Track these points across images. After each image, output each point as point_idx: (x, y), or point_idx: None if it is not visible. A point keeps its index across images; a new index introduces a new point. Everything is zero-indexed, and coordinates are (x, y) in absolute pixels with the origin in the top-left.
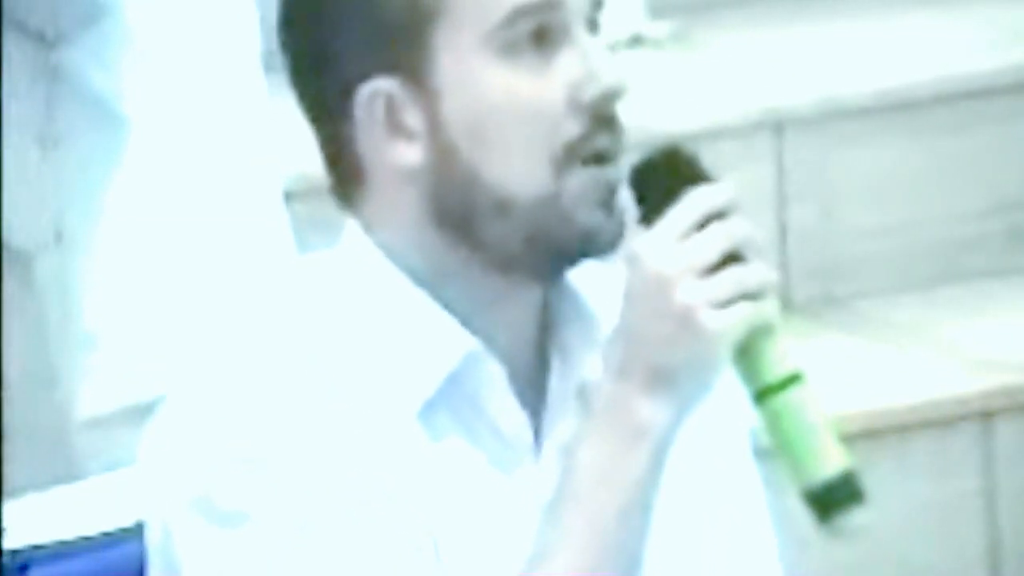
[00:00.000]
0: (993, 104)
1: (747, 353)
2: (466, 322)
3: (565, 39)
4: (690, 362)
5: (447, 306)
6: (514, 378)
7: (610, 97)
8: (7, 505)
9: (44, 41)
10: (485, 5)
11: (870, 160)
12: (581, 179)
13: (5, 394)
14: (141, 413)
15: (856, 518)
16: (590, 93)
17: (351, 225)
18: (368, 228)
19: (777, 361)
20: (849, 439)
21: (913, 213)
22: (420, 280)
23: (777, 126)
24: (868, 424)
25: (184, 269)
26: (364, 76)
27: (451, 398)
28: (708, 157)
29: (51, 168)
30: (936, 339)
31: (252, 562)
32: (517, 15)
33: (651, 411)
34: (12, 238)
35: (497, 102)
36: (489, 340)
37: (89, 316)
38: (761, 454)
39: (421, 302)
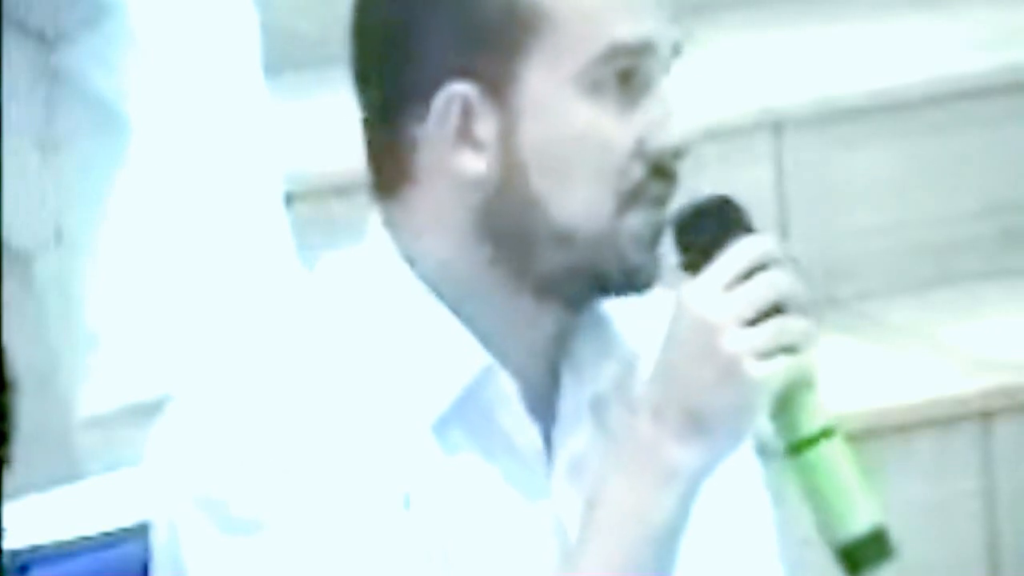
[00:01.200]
0: (991, 105)
1: (784, 405)
2: (482, 335)
3: (647, 86)
4: (728, 409)
5: (465, 319)
6: (526, 391)
7: (674, 153)
8: (7, 505)
9: (45, 41)
10: (585, 37)
11: (869, 160)
12: (638, 220)
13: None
14: (142, 413)
15: (884, 573)
16: (656, 144)
17: (375, 228)
18: (400, 231)
19: (813, 415)
20: (849, 439)
21: (913, 213)
22: (442, 291)
23: (776, 126)
24: (868, 424)
25: (184, 269)
26: (445, 78)
27: (465, 412)
28: (708, 157)
29: (51, 168)
30: (936, 339)
31: (260, 570)
32: (615, 53)
33: (683, 455)
34: (12, 238)
35: (576, 136)
36: (503, 354)
37: (90, 316)
38: (762, 453)
39: (439, 314)
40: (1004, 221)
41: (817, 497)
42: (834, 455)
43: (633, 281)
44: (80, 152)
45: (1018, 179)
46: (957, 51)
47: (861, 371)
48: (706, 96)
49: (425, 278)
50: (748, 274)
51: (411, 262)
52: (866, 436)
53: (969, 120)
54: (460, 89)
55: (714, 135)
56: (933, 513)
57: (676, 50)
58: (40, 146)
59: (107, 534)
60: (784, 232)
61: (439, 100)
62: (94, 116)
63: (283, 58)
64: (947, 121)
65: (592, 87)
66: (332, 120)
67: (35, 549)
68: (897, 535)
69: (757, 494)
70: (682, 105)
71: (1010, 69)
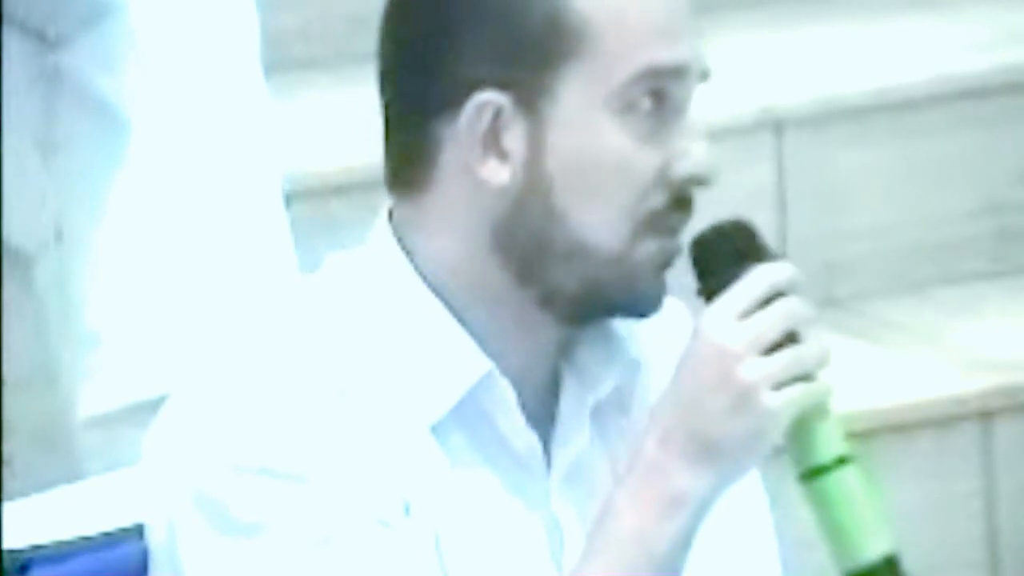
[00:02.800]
0: (991, 105)
1: (799, 432)
2: (482, 340)
3: (677, 111)
4: (742, 438)
5: (467, 324)
6: (526, 397)
7: (696, 181)
8: (7, 505)
9: (45, 42)
10: (623, 58)
11: (870, 160)
12: (651, 247)
13: (5, 394)
14: (142, 412)
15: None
16: (679, 172)
17: (381, 226)
18: (410, 230)
19: (828, 442)
20: (849, 439)
21: (913, 213)
22: (446, 295)
23: (777, 126)
24: (868, 424)
25: (184, 269)
26: (478, 85)
27: (464, 417)
28: None
29: (51, 169)
30: (936, 339)
31: (258, 573)
32: (650, 74)
33: (691, 481)
34: (12, 238)
35: (603, 156)
36: (504, 360)
37: (90, 315)
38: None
39: (441, 318)
40: (1003, 221)
41: (830, 525)
42: (848, 483)
43: (639, 306)
44: (80, 152)
45: (1018, 179)
46: (957, 51)
47: (861, 371)
48: (706, 96)
49: (430, 281)
50: (764, 302)
51: (417, 264)
52: (866, 436)
53: (969, 120)
54: (493, 98)
55: (714, 135)
56: (933, 513)
57: (704, 75)
58: (40, 146)
59: (107, 534)
60: (784, 232)
61: (471, 106)
62: (94, 116)
63: (269, 58)
64: (947, 121)
65: (624, 109)
66: (324, 120)
67: (35, 549)
68: (897, 535)
69: (756, 496)
70: (706, 136)
71: (1010, 69)
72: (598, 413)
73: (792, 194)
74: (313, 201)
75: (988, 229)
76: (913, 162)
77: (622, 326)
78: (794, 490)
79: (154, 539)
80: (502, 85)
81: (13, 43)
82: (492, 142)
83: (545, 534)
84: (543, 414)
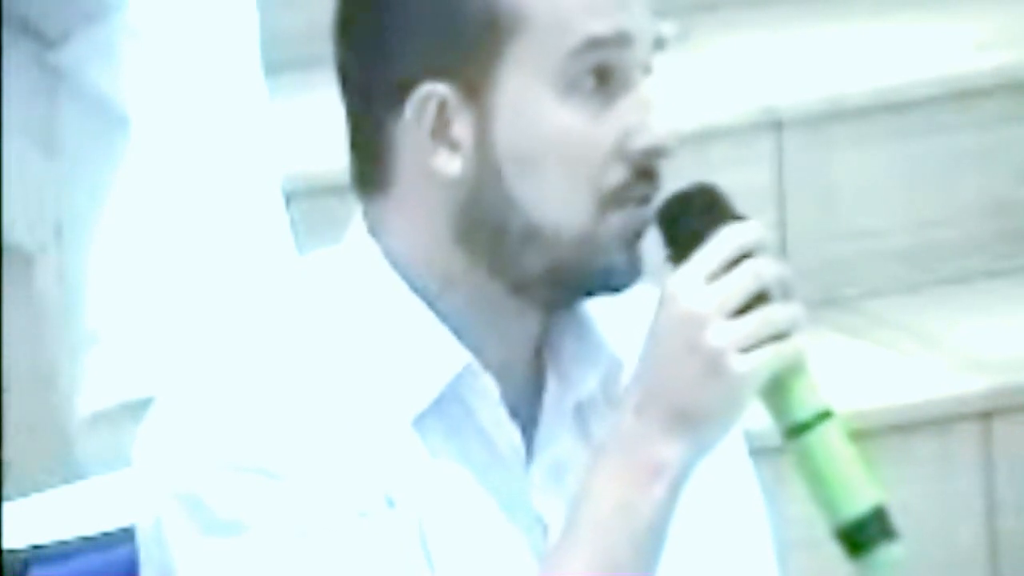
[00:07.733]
0: (991, 105)
1: (777, 390)
2: (462, 334)
3: (625, 84)
4: (714, 405)
5: (445, 317)
6: (507, 392)
7: (656, 152)
8: (7, 505)
9: (45, 41)
10: (561, 35)
11: (870, 160)
12: (616, 222)
13: (5, 394)
14: (142, 411)
15: (888, 553)
16: (638, 144)
17: (356, 225)
18: (381, 229)
19: (807, 399)
20: (849, 439)
21: (913, 213)
22: (422, 289)
23: (777, 126)
24: (868, 424)
25: (184, 268)
26: (422, 77)
27: (444, 410)
28: (708, 157)
29: (51, 167)
30: (936, 339)
31: (243, 572)
32: (590, 46)
33: (669, 451)
34: (12, 237)
35: (550, 137)
36: (484, 354)
37: (90, 315)
38: (756, 454)
39: (419, 312)
40: (1004, 221)
41: (816, 481)
42: (830, 438)
43: (611, 282)
44: (80, 152)
45: (1018, 179)
46: (957, 51)
47: (861, 371)
48: (706, 96)
49: (406, 276)
50: (732, 263)
51: (392, 260)
52: (866, 436)
53: (969, 120)
54: (436, 89)
55: (714, 135)
56: (933, 513)
57: (658, 44)
58: (41, 146)
59: (107, 534)
60: (784, 232)
61: (415, 99)
62: (94, 115)
63: (270, 58)
64: (947, 121)
65: (569, 88)
66: (324, 120)
67: (35, 549)
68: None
69: (751, 495)
70: (664, 104)
71: (1010, 69)
72: (580, 413)
73: (792, 194)
74: (313, 201)
75: (988, 229)
76: (913, 162)
77: (604, 322)
78: (794, 490)
79: (143, 537)
80: (443, 75)
81: (13, 42)
82: (441, 133)
83: (524, 532)
84: (526, 413)
